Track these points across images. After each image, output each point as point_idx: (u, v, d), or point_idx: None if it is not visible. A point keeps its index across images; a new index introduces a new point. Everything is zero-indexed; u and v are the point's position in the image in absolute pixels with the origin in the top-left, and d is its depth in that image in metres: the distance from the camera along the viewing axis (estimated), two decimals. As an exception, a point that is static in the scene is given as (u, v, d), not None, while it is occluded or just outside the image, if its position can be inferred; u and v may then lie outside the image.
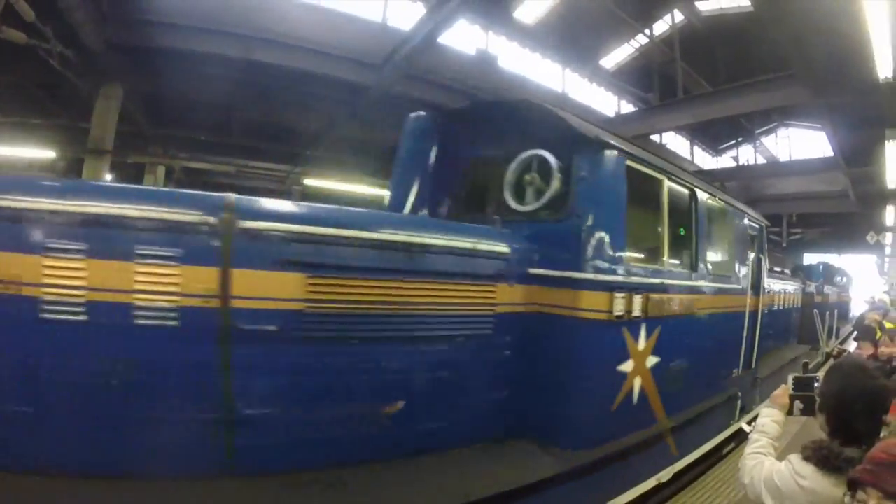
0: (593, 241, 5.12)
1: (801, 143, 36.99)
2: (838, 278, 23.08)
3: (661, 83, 27.75)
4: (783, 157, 36.98)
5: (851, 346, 11.39)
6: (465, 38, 23.26)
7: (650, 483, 5.62)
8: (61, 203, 3.41)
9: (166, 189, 6.43)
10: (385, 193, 7.25)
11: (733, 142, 39.43)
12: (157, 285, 3.51)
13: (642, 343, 5.64)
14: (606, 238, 5.18)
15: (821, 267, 21.52)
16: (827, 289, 19.08)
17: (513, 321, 5.07)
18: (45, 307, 3.33)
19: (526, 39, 26.60)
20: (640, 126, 22.61)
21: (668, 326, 6.05)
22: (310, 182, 23.44)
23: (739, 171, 31.87)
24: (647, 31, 28.17)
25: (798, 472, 2.64)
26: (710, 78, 27.83)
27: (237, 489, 3.61)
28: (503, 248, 5.07)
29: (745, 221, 9.08)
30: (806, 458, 2.64)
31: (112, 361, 3.44)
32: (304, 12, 17.44)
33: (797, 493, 2.62)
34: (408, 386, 4.43)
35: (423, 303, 4.41)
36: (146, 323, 3.47)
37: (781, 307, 12.82)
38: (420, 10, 18.47)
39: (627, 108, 32.13)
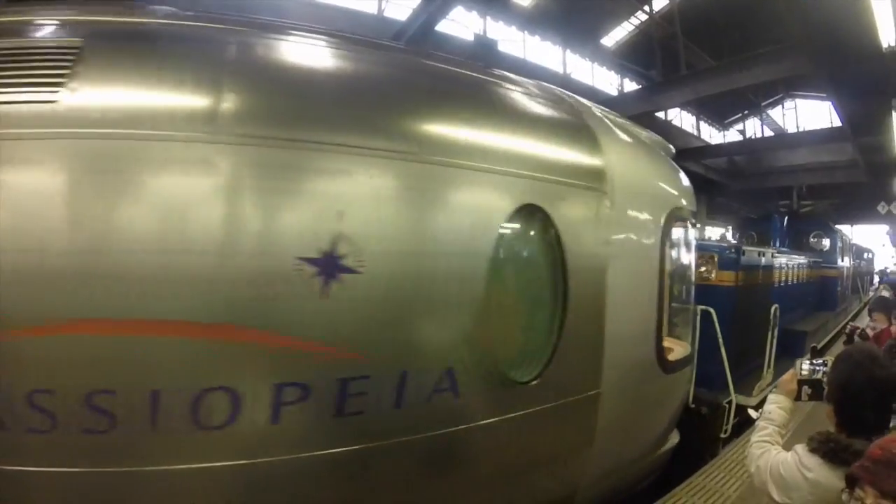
0: (835, 257, 18.83)
1: (808, 113, 36.60)
2: (866, 255, 31.71)
3: (663, 59, 27.51)
4: (791, 129, 36.65)
5: (864, 320, 12.25)
6: (462, 24, 23.15)
7: None
8: None
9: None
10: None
11: (739, 115, 39.17)
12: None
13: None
14: (838, 256, 19.07)
15: (854, 248, 26.21)
16: (862, 263, 28.81)
17: (817, 279, 16.54)
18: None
19: (524, 23, 26.48)
20: (644, 104, 22.39)
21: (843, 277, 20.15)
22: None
23: (747, 145, 31.64)
24: (647, 7, 27.87)
25: (804, 463, 2.59)
26: (713, 52, 27.56)
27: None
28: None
29: (847, 239, 22.16)
30: (812, 450, 2.59)
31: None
32: (298, 7, 17.37)
33: (802, 484, 2.58)
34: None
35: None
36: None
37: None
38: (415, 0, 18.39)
39: (631, 86, 31.91)
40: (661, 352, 5.06)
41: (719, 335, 7.39)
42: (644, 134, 5.94)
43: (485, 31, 24.49)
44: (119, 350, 2.74)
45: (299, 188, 3.15)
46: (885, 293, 15.32)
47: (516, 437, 3.98)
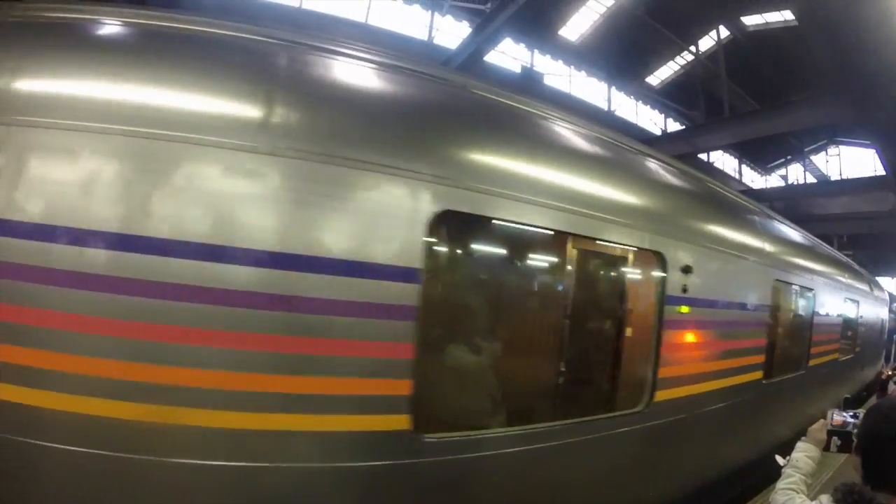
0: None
1: (852, 160, 36.02)
2: None
3: (706, 100, 27.56)
4: (833, 175, 36.15)
5: None
6: (510, 56, 23.59)
7: None
8: None
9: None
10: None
11: (782, 160, 38.79)
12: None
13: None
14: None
15: None
16: None
17: None
18: None
19: (571, 57, 26.79)
20: (685, 146, 22.50)
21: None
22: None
23: (787, 191, 31.32)
24: (693, 48, 27.97)
25: None
26: (756, 94, 27.50)
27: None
28: None
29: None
30: (836, 501, 2.50)
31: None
32: (350, 30, 17.98)
33: None
34: None
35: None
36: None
37: None
38: (465, 30, 18.81)
39: (674, 125, 31.93)
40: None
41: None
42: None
43: (532, 64, 24.90)
44: None
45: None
46: None
47: None
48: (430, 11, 21.82)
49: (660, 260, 4.95)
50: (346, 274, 3.23)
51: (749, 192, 28.34)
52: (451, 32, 21.17)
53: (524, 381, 5.09)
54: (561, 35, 25.65)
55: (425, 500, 3.72)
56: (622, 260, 5.57)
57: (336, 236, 3.27)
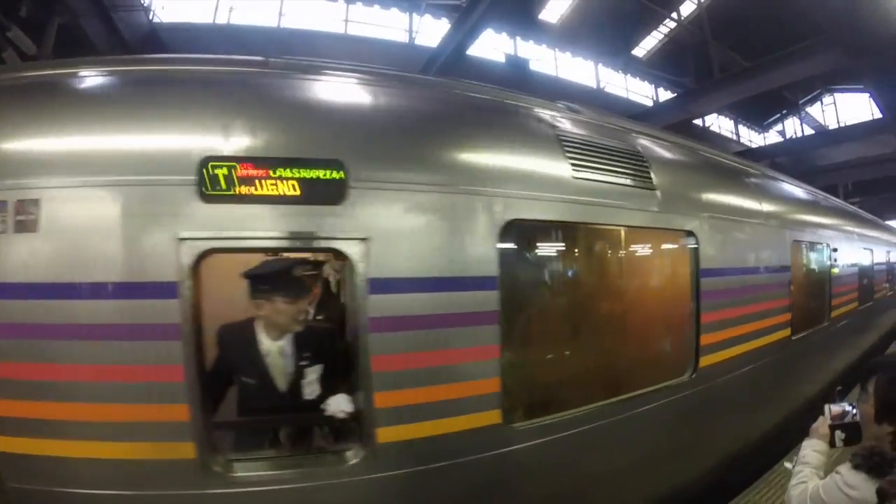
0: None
1: (847, 108, 35.47)
2: None
3: (696, 65, 27.30)
4: (831, 125, 35.73)
5: None
6: (493, 46, 23.45)
7: None
8: None
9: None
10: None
11: (778, 115, 38.44)
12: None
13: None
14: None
15: None
16: None
17: None
18: None
19: (554, 40, 26.61)
20: (680, 113, 22.30)
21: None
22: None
23: (788, 146, 31.01)
24: (675, 15, 27.66)
25: (847, 482, 2.46)
26: (745, 53, 27.16)
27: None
28: None
29: None
30: (856, 467, 2.46)
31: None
32: (330, 42, 17.94)
33: None
34: None
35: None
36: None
37: None
38: (445, 27, 18.71)
39: (666, 95, 31.63)
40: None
41: None
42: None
43: (515, 52, 24.74)
44: None
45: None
46: None
47: None
48: (408, 13, 21.77)
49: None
50: None
51: (750, 152, 28.15)
52: (432, 33, 21.07)
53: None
54: (541, 19, 25.43)
55: None
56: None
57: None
